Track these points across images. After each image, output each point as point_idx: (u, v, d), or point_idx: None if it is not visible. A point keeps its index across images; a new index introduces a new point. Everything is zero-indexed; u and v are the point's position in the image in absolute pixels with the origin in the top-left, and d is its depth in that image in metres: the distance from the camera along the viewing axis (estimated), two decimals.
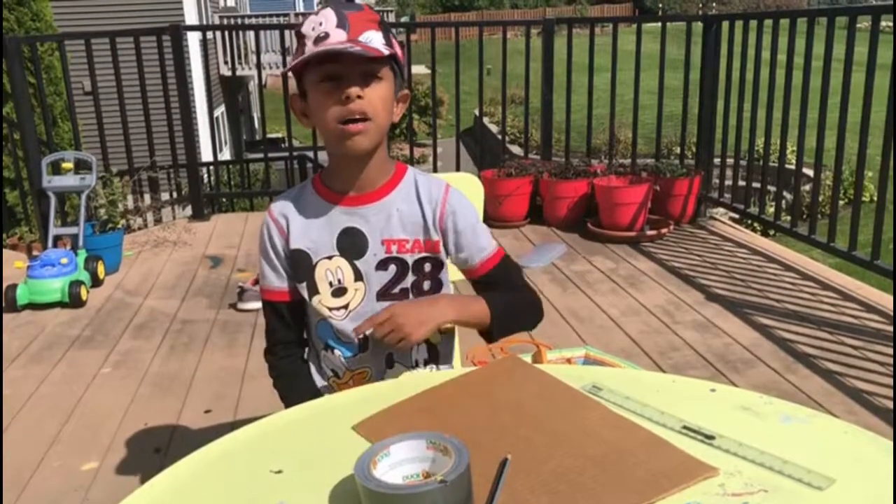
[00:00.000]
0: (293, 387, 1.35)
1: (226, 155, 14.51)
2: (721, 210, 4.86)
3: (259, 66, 5.19)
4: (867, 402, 2.38)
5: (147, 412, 2.50)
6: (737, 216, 4.96)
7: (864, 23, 3.56)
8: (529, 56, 4.94)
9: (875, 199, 3.41)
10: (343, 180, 1.28)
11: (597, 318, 3.18)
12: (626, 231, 4.23)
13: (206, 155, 8.64)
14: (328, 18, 1.18)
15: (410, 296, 1.31)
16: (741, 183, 4.64)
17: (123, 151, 4.68)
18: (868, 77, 3.16)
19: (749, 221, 5.26)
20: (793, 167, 4.11)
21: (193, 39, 11.91)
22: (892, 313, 3.05)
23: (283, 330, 1.36)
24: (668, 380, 1.08)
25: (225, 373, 2.77)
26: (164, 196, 5.10)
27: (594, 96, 4.74)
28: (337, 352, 1.34)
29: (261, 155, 6.15)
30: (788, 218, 4.23)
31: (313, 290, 1.30)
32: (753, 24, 4.11)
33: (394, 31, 1.33)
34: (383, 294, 1.30)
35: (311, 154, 6.27)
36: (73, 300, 3.45)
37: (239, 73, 15.27)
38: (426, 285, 1.32)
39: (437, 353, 1.38)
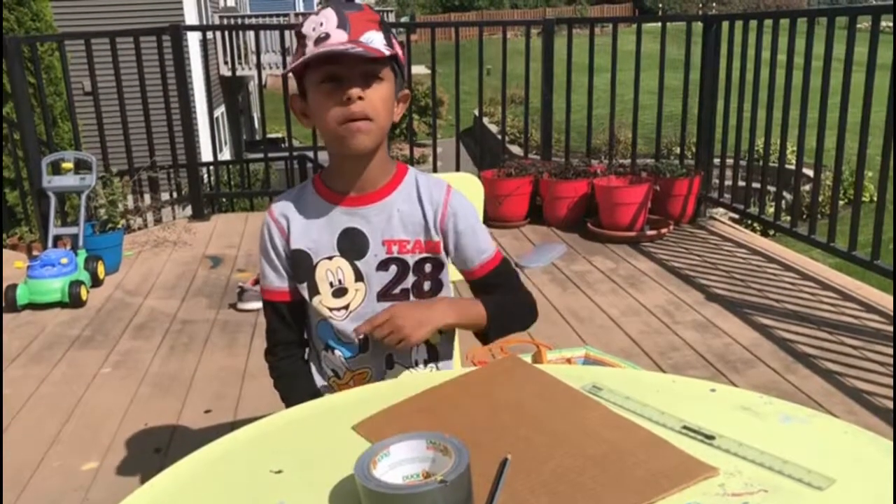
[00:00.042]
0: (294, 387, 1.35)
1: (226, 155, 14.51)
2: (721, 210, 4.87)
3: (259, 66, 5.19)
4: (867, 402, 2.38)
5: (147, 412, 2.50)
6: (737, 216, 4.96)
7: (864, 23, 3.56)
8: (529, 56, 4.93)
9: (875, 199, 3.41)
10: (344, 180, 1.28)
11: (597, 318, 3.18)
12: (626, 231, 4.23)
13: (206, 155, 8.64)
14: (329, 19, 1.18)
15: (411, 296, 1.31)
16: (741, 183, 4.64)
17: (123, 151, 4.68)
18: (868, 77, 3.16)
19: (749, 221, 5.26)
20: (793, 167, 4.11)
21: (193, 39, 11.91)
22: (892, 313, 3.05)
23: (284, 330, 1.36)
24: (668, 380, 1.08)
25: (225, 373, 2.77)
26: (164, 196, 5.10)
27: (594, 96, 4.74)
28: (337, 352, 1.34)
29: (261, 155, 6.15)
30: (788, 218, 4.23)
31: (314, 291, 1.30)
32: (753, 24, 4.11)
33: (394, 31, 1.33)
34: (384, 294, 1.30)
35: (311, 154, 6.27)
36: (73, 300, 3.45)
37: (239, 73, 15.28)
38: (427, 286, 1.32)
39: (436, 353, 1.38)
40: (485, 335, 1.33)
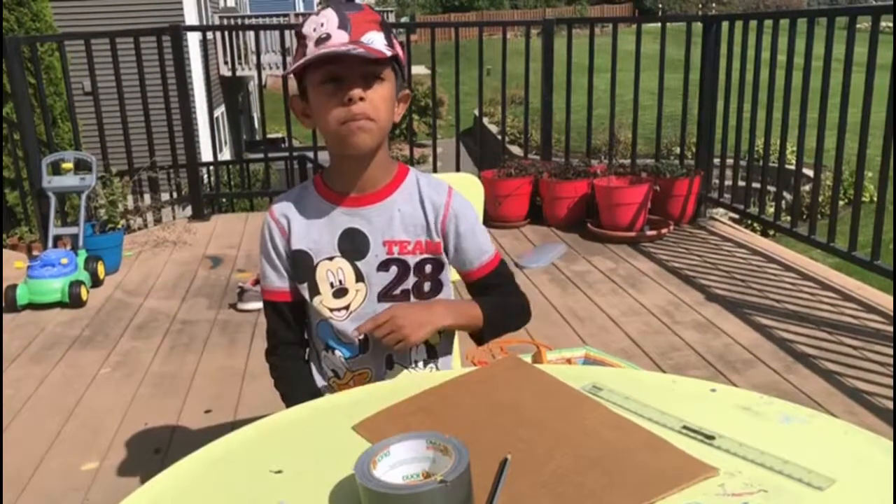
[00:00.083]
0: (294, 387, 1.35)
1: (226, 155, 14.52)
2: (721, 210, 4.87)
3: (259, 66, 5.19)
4: (867, 403, 2.38)
5: (147, 412, 2.50)
6: (737, 216, 4.96)
7: (863, 23, 3.57)
8: (529, 56, 4.94)
9: (875, 199, 3.41)
10: (344, 181, 1.28)
11: (597, 318, 3.18)
12: (625, 231, 4.23)
13: (206, 155, 8.65)
14: (329, 19, 1.18)
15: (411, 297, 1.31)
16: (741, 183, 4.64)
17: (123, 152, 4.68)
18: (868, 77, 3.16)
19: (749, 221, 5.27)
20: (793, 167, 4.11)
21: (193, 40, 11.91)
22: (892, 313, 3.05)
23: (284, 330, 1.36)
24: (669, 380, 1.08)
25: (225, 373, 2.77)
26: (164, 196, 5.10)
27: (594, 96, 4.74)
28: (337, 352, 1.34)
29: (261, 155, 6.15)
30: (788, 218, 4.23)
31: (314, 291, 1.30)
32: (753, 24, 4.11)
33: (394, 31, 1.33)
34: (384, 295, 1.30)
35: (311, 154, 6.27)
36: (73, 300, 3.45)
37: (239, 73, 15.29)
38: (427, 286, 1.32)
39: (435, 353, 1.38)
40: (480, 336, 1.35)
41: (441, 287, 1.35)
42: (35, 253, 4.13)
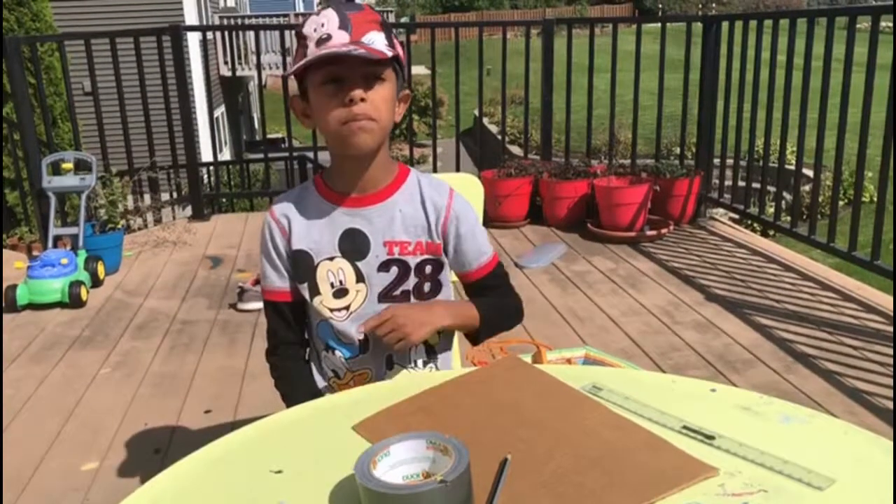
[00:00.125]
0: (294, 387, 1.35)
1: (226, 155, 14.52)
2: (721, 210, 4.87)
3: (259, 66, 5.19)
4: (867, 403, 2.38)
5: (147, 412, 2.50)
6: (737, 216, 4.96)
7: (863, 23, 3.56)
8: (529, 56, 4.94)
9: (875, 199, 3.41)
10: (345, 181, 1.28)
11: (597, 318, 3.18)
12: (625, 231, 4.23)
13: (206, 155, 8.65)
14: (330, 19, 1.17)
15: (412, 298, 1.31)
16: (741, 183, 4.64)
17: (123, 152, 4.68)
18: (868, 77, 3.16)
19: (749, 222, 5.27)
20: (793, 167, 4.11)
21: (193, 40, 11.91)
22: (892, 314, 3.05)
23: (285, 330, 1.36)
24: (668, 380, 1.08)
25: (225, 373, 2.77)
26: (164, 196, 5.10)
27: (594, 97, 4.74)
28: (338, 353, 1.34)
29: (261, 155, 6.15)
30: (788, 218, 4.23)
31: (314, 291, 1.30)
32: (753, 24, 4.11)
33: (394, 31, 1.33)
34: (385, 296, 1.30)
35: (311, 154, 6.28)
36: (73, 300, 3.45)
37: (239, 73, 15.30)
38: (427, 287, 1.32)
39: (434, 353, 1.38)
40: (475, 336, 1.37)
41: (441, 287, 1.35)
42: (35, 253, 4.13)
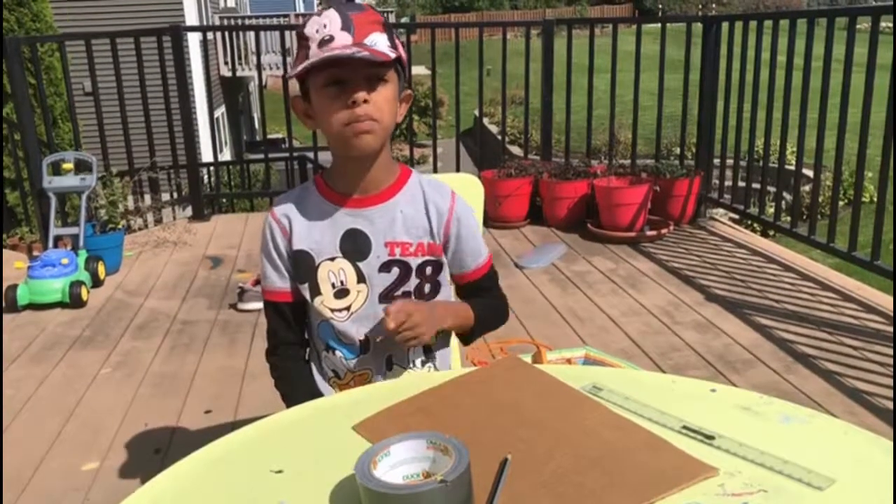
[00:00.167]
0: (294, 387, 1.35)
1: (226, 155, 14.51)
2: (721, 210, 4.87)
3: (259, 66, 5.19)
4: (867, 403, 2.38)
5: (147, 412, 2.50)
6: (737, 217, 4.96)
7: (863, 23, 3.56)
8: (529, 57, 4.94)
9: (875, 199, 3.41)
10: (347, 182, 1.28)
11: (597, 318, 3.18)
12: (625, 231, 4.23)
13: (206, 155, 8.65)
14: (332, 20, 1.17)
15: (412, 298, 1.31)
16: (741, 183, 4.64)
17: (124, 152, 4.69)
18: (868, 77, 3.16)
19: (749, 222, 5.26)
20: (792, 168, 4.11)
21: (194, 40, 11.91)
22: (891, 314, 3.05)
23: (285, 330, 1.36)
24: (668, 380, 1.08)
25: (225, 373, 2.77)
26: (165, 196, 5.10)
27: (594, 97, 4.74)
28: (338, 353, 1.34)
29: (261, 155, 6.16)
30: (788, 218, 4.23)
31: (315, 292, 1.31)
32: (753, 24, 4.11)
33: (395, 31, 1.33)
34: (385, 296, 1.30)
35: (311, 155, 6.28)
36: (74, 300, 3.45)
37: (239, 73, 15.30)
38: (427, 288, 1.33)
39: (432, 353, 1.39)
40: (468, 336, 1.39)
41: (440, 288, 1.35)
42: (35, 253, 4.13)
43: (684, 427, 0.91)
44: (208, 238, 4.58)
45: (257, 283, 3.28)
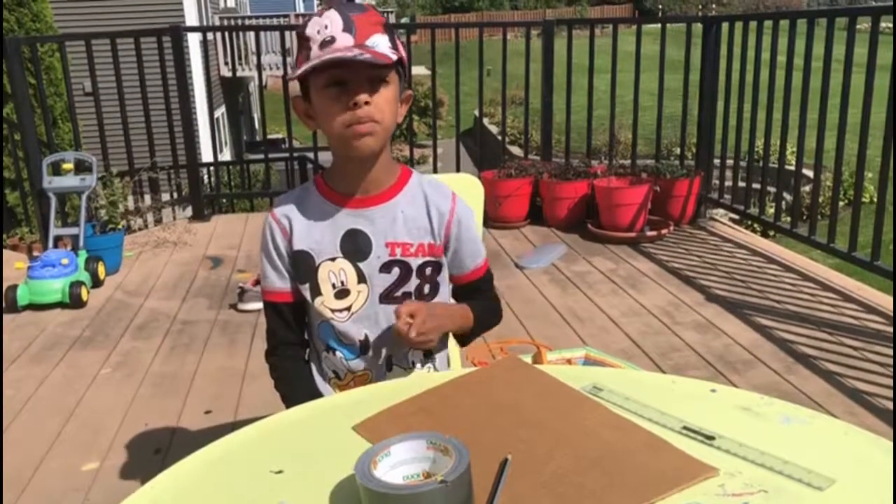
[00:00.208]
0: (294, 388, 1.35)
1: (226, 156, 14.52)
2: (721, 211, 4.87)
3: (259, 66, 5.19)
4: (867, 403, 2.38)
5: (147, 413, 2.50)
6: (737, 217, 4.96)
7: (863, 24, 3.57)
8: (529, 57, 4.94)
9: (875, 200, 3.41)
10: (347, 182, 1.28)
11: (597, 318, 3.18)
12: (626, 232, 4.23)
13: (206, 156, 8.65)
14: (334, 21, 1.17)
15: (412, 299, 1.31)
16: (741, 184, 4.64)
17: (124, 152, 4.69)
18: (868, 78, 3.16)
19: (749, 222, 5.27)
20: (793, 168, 4.11)
21: (194, 40, 11.92)
22: (892, 314, 3.05)
23: (284, 331, 1.36)
24: (669, 380, 1.08)
25: (225, 373, 2.77)
26: (165, 197, 5.10)
27: (594, 97, 4.75)
28: (338, 353, 1.34)
29: (261, 156, 6.16)
30: (788, 219, 4.23)
31: (316, 292, 1.30)
32: (753, 25, 4.11)
33: (397, 32, 1.33)
34: (386, 296, 1.30)
35: (311, 155, 6.28)
36: (74, 301, 3.45)
37: (239, 74, 15.30)
38: (426, 288, 1.33)
39: (432, 354, 1.39)
40: (465, 338, 1.40)
41: (439, 288, 1.35)
42: (35, 253, 4.13)
43: (684, 427, 0.91)
44: (208, 238, 4.58)
45: (257, 283, 3.28)
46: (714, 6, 29.81)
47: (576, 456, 0.86)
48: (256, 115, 19.37)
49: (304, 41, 1.19)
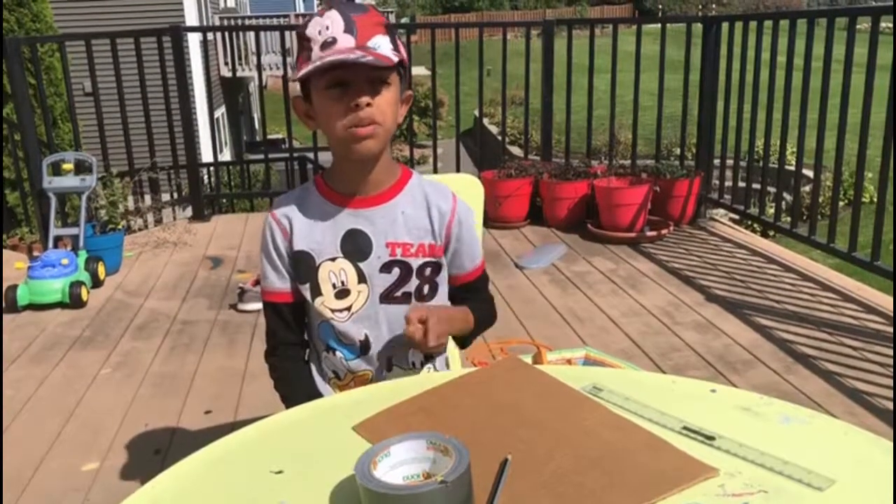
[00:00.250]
0: (294, 388, 1.35)
1: (226, 156, 14.52)
2: (721, 211, 4.87)
3: (259, 67, 5.19)
4: (867, 403, 2.38)
5: (147, 413, 2.50)
6: (737, 217, 4.96)
7: (863, 24, 3.57)
8: (529, 57, 4.94)
9: (875, 200, 3.41)
10: (348, 183, 1.28)
11: (597, 318, 3.18)
12: (626, 232, 4.23)
13: (206, 156, 8.65)
14: (335, 22, 1.17)
15: (413, 299, 1.31)
16: (741, 184, 4.64)
17: (124, 152, 4.69)
18: (868, 78, 3.16)
19: (749, 222, 5.27)
20: (792, 168, 4.11)
21: (194, 40, 11.92)
22: (891, 314, 3.05)
23: (284, 331, 1.36)
24: (669, 381, 1.08)
25: (225, 373, 2.77)
26: (165, 197, 5.10)
27: (594, 97, 4.75)
28: (338, 353, 1.34)
29: (261, 156, 6.16)
30: (788, 219, 4.23)
31: (316, 292, 1.30)
32: (753, 25, 4.11)
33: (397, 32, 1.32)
34: (386, 297, 1.30)
35: (311, 155, 6.28)
36: (74, 301, 3.45)
37: (239, 74, 15.30)
38: (426, 289, 1.33)
39: (432, 356, 1.39)
40: (464, 339, 1.41)
41: (438, 288, 1.35)
42: (35, 253, 4.13)
43: (684, 427, 0.91)
44: (208, 238, 4.58)
45: (257, 283, 3.28)
46: (714, 6, 29.81)
47: (576, 456, 0.86)
48: (256, 116, 19.37)
49: (304, 42, 1.19)
